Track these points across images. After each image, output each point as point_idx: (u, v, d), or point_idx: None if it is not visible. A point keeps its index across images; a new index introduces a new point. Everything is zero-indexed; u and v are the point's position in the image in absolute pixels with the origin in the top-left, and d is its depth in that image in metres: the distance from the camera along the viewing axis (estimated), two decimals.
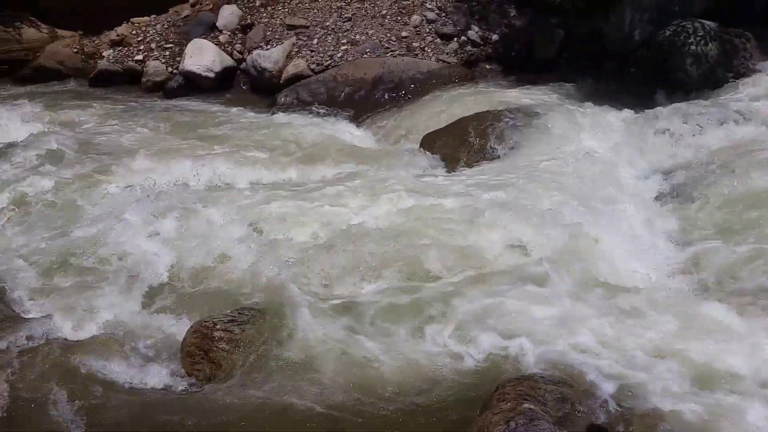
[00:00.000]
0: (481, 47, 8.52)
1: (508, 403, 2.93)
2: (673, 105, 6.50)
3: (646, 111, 6.62)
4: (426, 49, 8.48)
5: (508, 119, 6.41)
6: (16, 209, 5.05)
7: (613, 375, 3.12)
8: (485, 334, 3.42)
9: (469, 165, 5.93)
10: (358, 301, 3.80)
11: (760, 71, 7.04)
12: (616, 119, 6.59)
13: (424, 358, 3.37)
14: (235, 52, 8.92)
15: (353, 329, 3.59)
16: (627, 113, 6.69)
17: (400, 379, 3.32)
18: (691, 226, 4.70)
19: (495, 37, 8.56)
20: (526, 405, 2.90)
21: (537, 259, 4.08)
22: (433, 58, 8.36)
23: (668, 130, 6.18)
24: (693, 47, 7.05)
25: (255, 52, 8.67)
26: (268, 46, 8.71)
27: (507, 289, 3.78)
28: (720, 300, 3.82)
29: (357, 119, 7.42)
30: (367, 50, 8.42)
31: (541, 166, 5.53)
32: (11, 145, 6.11)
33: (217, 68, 8.67)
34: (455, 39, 8.55)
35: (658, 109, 6.58)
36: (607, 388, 3.04)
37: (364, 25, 8.72)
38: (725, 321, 3.54)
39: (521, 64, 8.29)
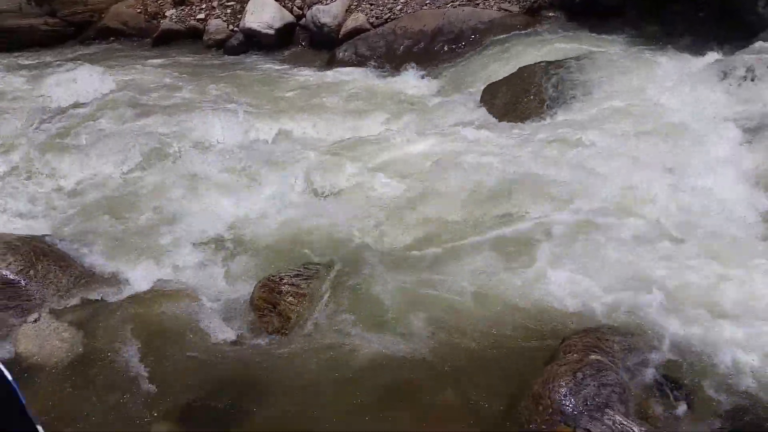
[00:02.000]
0: None
1: (575, 354, 2.91)
2: (743, 50, 6.09)
3: (718, 57, 6.26)
4: None
5: (571, 69, 6.18)
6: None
7: (684, 324, 3.05)
8: (563, 283, 3.37)
9: (532, 117, 5.78)
10: (426, 253, 3.80)
11: None
12: (687, 66, 6.25)
13: (492, 310, 3.36)
14: (295, 7, 8.90)
15: (422, 279, 3.59)
16: (699, 60, 6.33)
17: (469, 330, 3.31)
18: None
19: None
20: (593, 356, 2.89)
21: (618, 207, 3.96)
22: (494, 7, 8.11)
23: (734, 75, 5.82)
24: None
25: (314, 7, 8.63)
26: (328, 1, 8.64)
27: (586, 237, 3.70)
28: None
29: (417, 72, 7.31)
30: (427, 2, 8.25)
31: (603, 117, 5.33)
32: (78, 105, 6.26)
33: (277, 24, 8.69)
34: None
35: (729, 54, 6.22)
36: (676, 338, 2.98)
37: None
38: None
39: (584, 11, 7.93)
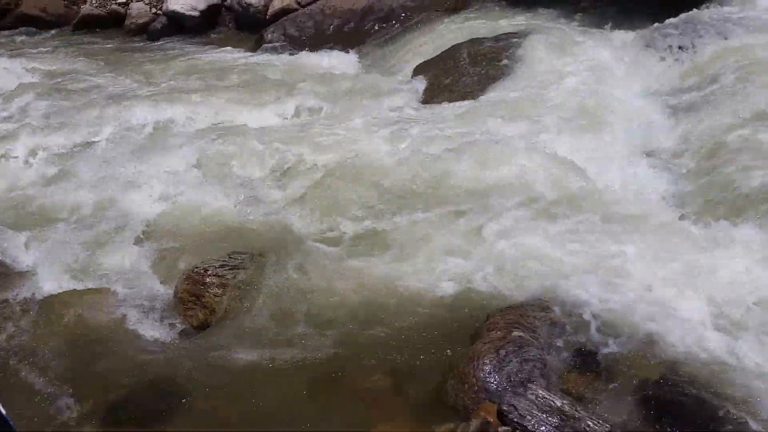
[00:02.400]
0: None
1: (498, 332, 2.95)
2: (673, 20, 6.21)
3: (646, 29, 6.37)
4: None
5: (502, 47, 6.21)
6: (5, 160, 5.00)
7: (599, 297, 3.12)
8: (474, 267, 3.41)
9: (461, 95, 5.78)
10: (349, 237, 3.78)
11: None
12: (612, 40, 6.36)
13: (416, 292, 3.37)
14: None
15: (347, 265, 3.58)
16: (624, 33, 6.45)
17: (395, 313, 3.32)
18: (686, 145, 4.57)
19: None
20: (515, 333, 2.92)
21: (518, 187, 4.01)
22: None
23: (668, 48, 5.95)
24: None
25: None
26: None
27: (491, 219, 3.74)
28: (711, 218, 3.77)
29: (347, 52, 7.22)
30: None
31: (533, 94, 5.38)
32: None
33: (202, 6, 8.43)
34: None
35: (658, 26, 6.34)
36: (594, 310, 3.05)
37: None
38: (705, 238, 3.51)
39: None
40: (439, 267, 3.48)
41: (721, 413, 2.56)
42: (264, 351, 3.16)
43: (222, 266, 3.60)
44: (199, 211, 4.20)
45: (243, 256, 3.67)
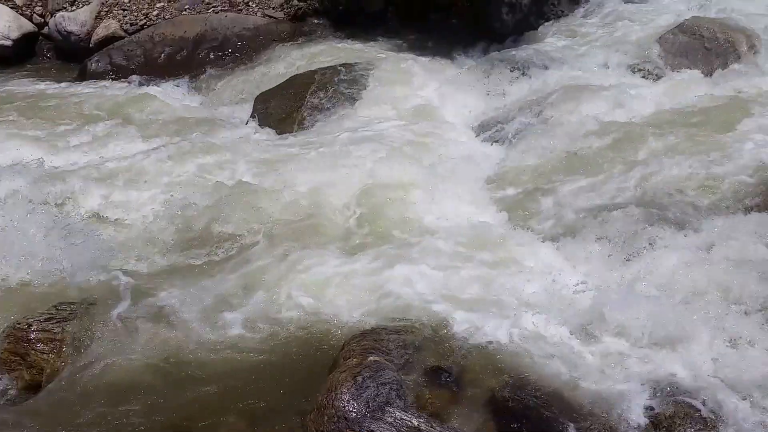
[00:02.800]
0: (308, 1, 8.30)
1: (354, 359, 2.95)
2: (492, 54, 6.74)
3: (469, 61, 6.86)
4: (250, 3, 8.11)
5: (339, 76, 6.34)
6: None
7: (448, 315, 3.26)
8: (317, 297, 3.42)
9: (301, 125, 5.80)
10: (181, 276, 3.63)
11: (568, 15, 7.53)
12: (441, 71, 6.73)
13: (268, 331, 3.28)
14: (35, 15, 7.98)
15: (179, 309, 3.40)
16: (452, 65, 6.88)
17: (251, 351, 3.21)
18: (510, 170, 4.89)
19: None
20: (371, 358, 2.94)
21: (352, 214, 4.12)
22: (258, 14, 8.01)
23: (488, 78, 6.40)
24: None
25: (58, 14, 7.80)
26: (73, 7, 7.86)
27: (325, 248, 3.81)
28: (537, 238, 4.08)
29: (179, 81, 6.95)
30: (186, 7, 7.88)
31: (369, 123, 5.54)
32: None
33: (15, 35, 7.71)
34: None
35: (480, 59, 6.85)
36: (446, 328, 3.17)
37: None
38: (537, 255, 3.81)
39: (349, 19, 8.19)
40: (287, 303, 3.43)
41: (566, 421, 2.75)
42: (103, 409, 2.89)
43: (48, 320, 3.26)
44: (14, 261, 3.75)
45: (72, 306, 3.35)
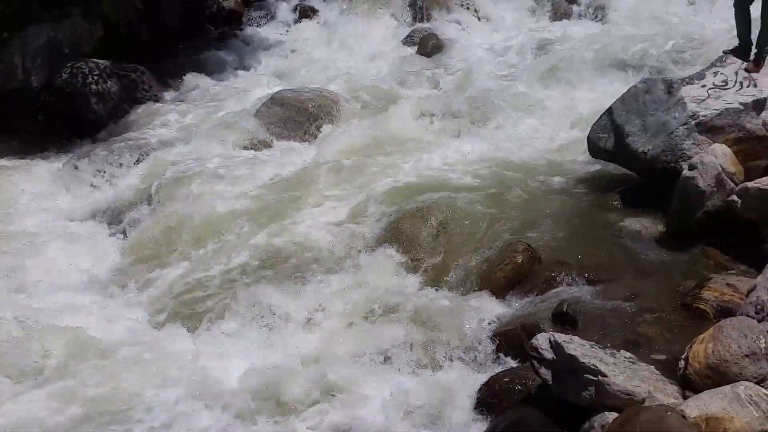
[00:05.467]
0: None
1: None
2: (90, 147, 6.48)
3: (69, 157, 6.42)
4: None
5: None
6: None
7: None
8: None
9: None
10: None
11: (162, 99, 7.49)
12: (43, 170, 6.31)
13: None
14: None
15: None
16: (51, 163, 6.45)
17: None
18: (130, 257, 4.81)
19: None
20: None
21: None
22: None
23: (96, 172, 6.07)
24: (94, 86, 7.06)
25: None
26: None
27: None
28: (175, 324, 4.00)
29: None
30: None
31: None
32: None
33: None
34: None
35: (79, 152, 6.44)
36: None
37: None
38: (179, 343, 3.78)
39: None
40: None
41: None
42: None
43: None
44: None
45: None
